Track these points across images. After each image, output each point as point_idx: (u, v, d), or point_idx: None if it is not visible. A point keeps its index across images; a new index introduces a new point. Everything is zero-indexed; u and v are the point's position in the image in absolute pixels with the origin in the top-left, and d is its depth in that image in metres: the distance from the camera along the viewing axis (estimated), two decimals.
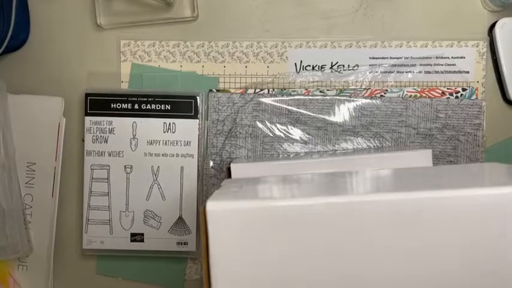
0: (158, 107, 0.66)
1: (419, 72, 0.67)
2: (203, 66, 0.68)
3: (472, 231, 0.38)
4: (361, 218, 0.38)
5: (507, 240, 0.38)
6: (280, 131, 0.67)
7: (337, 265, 0.39)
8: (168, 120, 0.67)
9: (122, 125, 0.67)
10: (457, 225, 0.38)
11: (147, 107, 0.67)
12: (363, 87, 0.67)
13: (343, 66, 0.67)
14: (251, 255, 0.38)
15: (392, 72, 0.67)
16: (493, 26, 0.66)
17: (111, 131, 0.67)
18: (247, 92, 0.67)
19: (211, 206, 0.38)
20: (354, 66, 0.67)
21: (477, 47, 0.67)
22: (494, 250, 0.38)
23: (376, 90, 0.67)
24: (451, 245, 0.38)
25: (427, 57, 0.67)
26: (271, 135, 0.67)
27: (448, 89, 0.67)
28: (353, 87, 0.67)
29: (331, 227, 0.38)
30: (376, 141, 0.67)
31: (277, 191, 0.46)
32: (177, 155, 0.67)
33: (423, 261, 0.38)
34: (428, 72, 0.67)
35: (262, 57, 0.68)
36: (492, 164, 0.52)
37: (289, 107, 0.67)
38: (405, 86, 0.67)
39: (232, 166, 0.59)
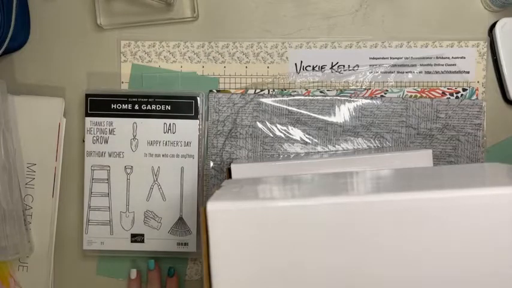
0: (158, 107, 0.66)
1: (420, 72, 0.67)
2: (203, 67, 0.68)
3: (473, 231, 0.38)
4: (362, 218, 0.38)
5: (507, 240, 0.38)
6: (281, 132, 0.67)
7: (337, 265, 0.38)
8: (168, 121, 0.67)
9: (122, 125, 0.67)
10: (458, 225, 0.38)
11: (148, 108, 0.67)
12: (363, 87, 0.67)
13: (344, 66, 0.67)
14: (251, 255, 0.38)
15: (392, 73, 0.67)
16: (493, 26, 0.66)
17: (111, 131, 0.67)
18: (248, 92, 0.67)
19: (212, 206, 0.38)
20: (354, 67, 0.67)
21: (477, 47, 0.67)
22: (494, 250, 0.38)
23: (376, 90, 0.67)
24: (451, 244, 0.38)
25: (427, 58, 0.67)
26: (271, 135, 0.67)
27: (448, 89, 0.67)
28: (353, 87, 0.67)
29: (332, 228, 0.38)
30: (376, 141, 0.67)
31: (277, 192, 0.46)
32: (178, 156, 0.67)
33: (423, 260, 0.38)
34: (429, 73, 0.67)
35: (262, 58, 0.68)
36: (492, 164, 0.52)
37: (290, 108, 0.67)
38: (405, 86, 0.67)
39: (233, 166, 0.59)
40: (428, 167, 0.57)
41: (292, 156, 0.66)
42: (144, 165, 0.67)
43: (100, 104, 0.67)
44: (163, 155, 0.67)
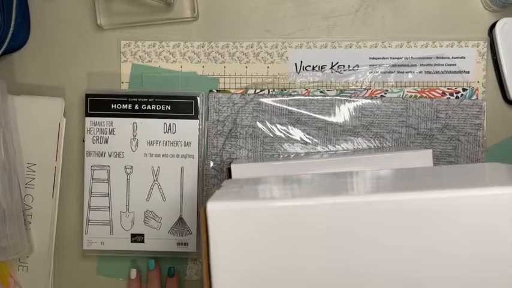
0: (158, 107, 0.66)
1: (420, 72, 0.67)
2: (203, 67, 0.68)
3: (472, 231, 0.38)
4: (362, 218, 0.38)
5: (507, 240, 0.38)
6: (281, 132, 0.67)
7: (337, 265, 0.38)
8: (168, 121, 0.67)
9: (122, 125, 0.67)
10: (457, 224, 0.38)
11: (148, 108, 0.67)
12: (363, 87, 0.67)
13: (344, 66, 0.67)
14: (251, 255, 0.38)
15: (392, 73, 0.67)
16: (493, 26, 0.66)
17: (111, 131, 0.67)
18: (248, 92, 0.67)
19: (212, 206, 0.38)
20: (354, 67, 0.67)
21: (477, 47, 0.67)
22: (494, 249, 0.38)
23: (376, 90, 0.67)
24: (451, 244, 0.38)
25: (427, 58, 0.67)
26: (271, 135, 0.67)
27: (448, 89, 0.67)
28: (353, 87, 0.67)
29: (332, 227, 0.38)
30: (376, 141, 0.67)
31: (277, 192, 0.46)
32: (178, 156, 0.67)
33: (423, 260, 0.38)
34: (429, 73, 0.67)
35: (262, 58, 0.68)
36: (492, 164, 0.52)
37: (290, 108, 0.67)
38: (405, 86, 0.67)
39: (233, 166, 0.59)
40: (428, 167, 0.57)
41: (292, 156, 0.66)
42: (144, 165, 0.67)
43: (100, 104, 0.67)
44: (163, 155, 0.67)
